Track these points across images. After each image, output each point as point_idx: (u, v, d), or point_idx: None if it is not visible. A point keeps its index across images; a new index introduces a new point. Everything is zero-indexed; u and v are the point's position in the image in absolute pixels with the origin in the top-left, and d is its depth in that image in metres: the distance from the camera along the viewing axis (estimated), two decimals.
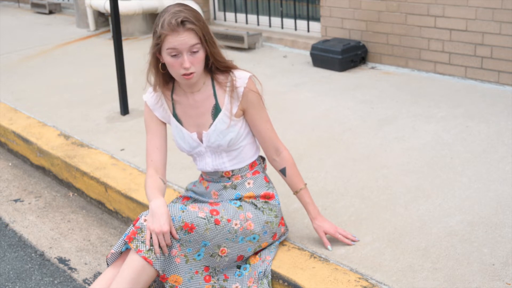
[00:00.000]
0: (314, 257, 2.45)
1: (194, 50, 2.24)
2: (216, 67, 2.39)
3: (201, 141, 2.44)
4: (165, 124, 2.51)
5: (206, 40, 2.27)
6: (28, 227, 3.26)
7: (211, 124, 2.40)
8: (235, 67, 2.42)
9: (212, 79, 2.41)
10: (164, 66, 2.33)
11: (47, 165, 3.80)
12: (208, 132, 2.40)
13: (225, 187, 2.49)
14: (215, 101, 2.39)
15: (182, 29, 2.21)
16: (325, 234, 2.51)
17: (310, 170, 3.19)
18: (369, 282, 2.26)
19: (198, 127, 2.43)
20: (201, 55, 2.27)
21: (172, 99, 2.45)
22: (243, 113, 2.43)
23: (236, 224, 2.34)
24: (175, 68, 2.26)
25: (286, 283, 2.35)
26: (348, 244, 2.50)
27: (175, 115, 2.46)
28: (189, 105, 2.42)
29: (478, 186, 2.91)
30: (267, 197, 2.49)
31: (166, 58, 2.26)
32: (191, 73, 2.26)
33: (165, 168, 2.50)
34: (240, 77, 2.38)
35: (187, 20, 2.21)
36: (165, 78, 2.40)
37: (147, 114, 2.50)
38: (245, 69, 2.45)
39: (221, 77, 2.40)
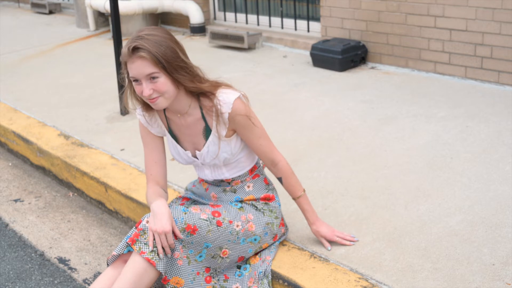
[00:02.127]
0: (314, 257, 2.45)
1: (153, 76, 2.15)
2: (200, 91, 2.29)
3: (197, 157, 2.43)
4: (161, 137, 2.47)
5: (168, 67, 2.14)
6: (28, 227, 3.26)
7: (204, 144, 2.37)
8: (212, 91, 2.27)
9: (200, 101, 2.32)
10: None
11: (47, 165, 3.80)
12: (202, 153, 2.37)
13: (224, 191, 2.49)
14: (205, 123, 2.34)
15: (134, 57, 2.12)
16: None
17: (310, 170, 3.19)
18: (369, 282, 2.26)
19: (194, 144, 2.40)
20: (162, 81, 2.15)
21: (166, 116, 2.40)
22: (235, 131, 2.37)
23: (237, 226, 2.34)
24: (139, 93, 2.19)
25: (286, 283, 2.35)
26: (348, 245, 2.50)
27: (170, 131, 2.42)
28: (181, 125, 2.38)
29: (478, 186, 2.91)
30: (267, 199, 2.49)
31: (133, 83, 2.20)
32: (154, 98, 2.18)
33: (166, 179, 2.48)
34: (225, 102, 2.26)
35: (141, 47, 2.11)
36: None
37: (142, 130, 2.45)
38: (231, 86, 2.32)
39: (206, 101, 2.30)
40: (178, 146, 2.42)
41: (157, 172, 2.44)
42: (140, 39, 2.12)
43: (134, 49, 2.11)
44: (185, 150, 2.42)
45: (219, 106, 2.26)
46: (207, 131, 2.35)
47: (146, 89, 2.15)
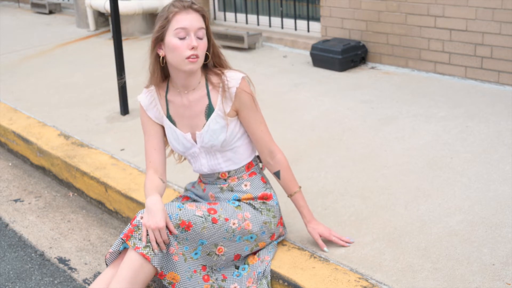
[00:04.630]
0: (314, 257, 2.45)
1: (200, 35, 2.28)
2: (210, 68, 2.41)
3: (195, 141, 2.44)
4: (161, 125, 2.50)
5: (209, 30, 2.33)
6: (28, 227, 3.26)
7: (204, 124, 2.40)
8: (229, 67, 2.44)
9: (206, 80, 2.41)
10: (163, 60, 2.34)
11: (47, 165, 3.80)
12: (202, 133, 2.40)
13: (221, 189, 2.49)
14: (209, 101, 2.39)
15: (191, 9, 2.27)
16: (320, 236, 2.51)
17: (310, 170, 3.19)
18: (369, 282, 2.27)
19: (191, 128, 2.43)
20: (205, 42, 2.30)
21: (166, 99, 2.44)
22: (237, 113, 2.42)
23: (234, 224, 2.34)
24: (180, 50, 2.25)
25: (286, 283, 2.35)
26: (344, 246, 2.50)
27: (169, 116, 2.45)
28: (182, 105, 2.41)
29: (478, 186, 2.91)
30: (264, 198, 2.49)
31: (172, 41, 2.26)
32: (197, 55, 2.26)
33: (165, 168, 2.50)
34: (233, 78, 2.37)
35: (195, 4, 2.30)
36: (162, 73, 2.40)
37: (142, 115, 2.50)
38: (239, 69, 2.44)
39: (214, 78, 2.40)
40: (177, 130, 2.44)
41: (156, 159, 2.47)
42: (193, 3, 2.31)
43: (192, 4, 2.28)
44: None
45: (227, 81, 2.36)
46: (210, 110, 2.38)
47: (194, 40, 2.25)
